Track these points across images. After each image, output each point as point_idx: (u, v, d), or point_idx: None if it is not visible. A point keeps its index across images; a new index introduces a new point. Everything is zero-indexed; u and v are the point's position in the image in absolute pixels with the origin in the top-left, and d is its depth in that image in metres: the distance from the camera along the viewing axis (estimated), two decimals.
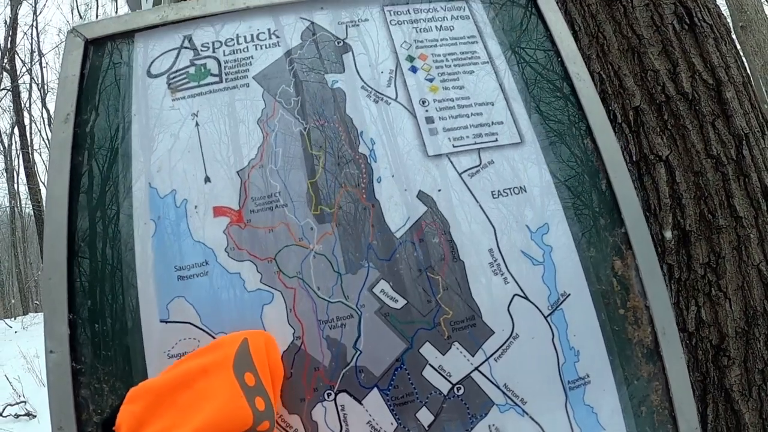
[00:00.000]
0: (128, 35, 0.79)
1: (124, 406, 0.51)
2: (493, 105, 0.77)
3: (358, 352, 0.66)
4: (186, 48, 0.78)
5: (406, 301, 0.67)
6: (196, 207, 0.70)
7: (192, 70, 0.77)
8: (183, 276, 0.68)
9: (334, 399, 0.65)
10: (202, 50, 0.78)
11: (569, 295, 0.71)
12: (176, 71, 0.77)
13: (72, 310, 0.68)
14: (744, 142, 1.10)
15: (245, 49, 0.78)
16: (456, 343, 0.67)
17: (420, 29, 0.81)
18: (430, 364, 0.66)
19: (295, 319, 0.66)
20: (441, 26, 0.81)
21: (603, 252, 0.73)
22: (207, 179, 0.71)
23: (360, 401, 0.65)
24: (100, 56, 0.79)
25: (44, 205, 0.73)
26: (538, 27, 0.84)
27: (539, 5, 0.84)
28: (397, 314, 0.67)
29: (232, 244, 0.68)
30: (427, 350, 0.66)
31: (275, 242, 0.69)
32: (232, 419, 0.51)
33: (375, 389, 0.65)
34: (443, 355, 0.67)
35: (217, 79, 0.76)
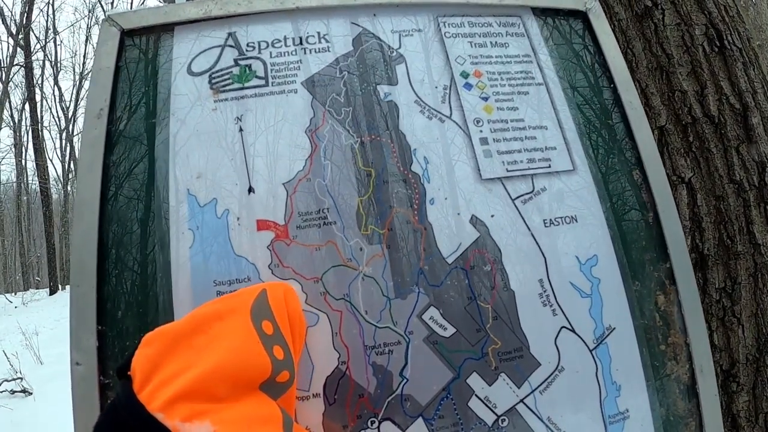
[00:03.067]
0: (167, 28, 0.74)
1: (138, 350, 0.48)
2: (546, 129, 0.75)
3: (405, 380, 0.64)
4: (230, 46, 0.74)
5: (455, 330, 0.65)
6: (238, 219, 0.67)
7: (236, 70, 0.73)
8: (223, 292, 0.64)
9: (378, 427, 0.63)
10: (247, 50, 0.74)
11: (614, 329, 0.70)
12: (219, 71, 0.72)
13: (101, 322, 0.64)
14: (767, 169, 1.10)
15: (293, 53, 0.74)
16: (503, 374, 0.66)
17: (475, 44, 0.78)
18: (476, 395, 0.65)
19: (340, 344, 0.64)
20: (496, 42, 0.79)
21: (647, 286, 0.73)
22: (251, 189, 0.68)
23: (404, 431, 0.63)
24: (137, 49, 0.74)
25: (73, 206, 0.68)
26: (591, 50, 0.82)
27: (593, 27, 0.82)
28: (445, 342, 0.65)
29: (277, 260, 0.65)
30: (474, 380, 0.65)
31: (322, 261, 0.66)
32: (248, 364, 0.48)
33: (420, 419, 0.63)
34: (490, 386, 0.65)
35: (262, 82, 0.72)
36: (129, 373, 0.47)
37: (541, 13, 0.82)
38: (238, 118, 0.70)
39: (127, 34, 0.74)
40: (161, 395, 0.44)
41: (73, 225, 0.68)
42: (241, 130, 0.70)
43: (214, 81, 0.72)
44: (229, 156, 0.69)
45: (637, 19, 1.20)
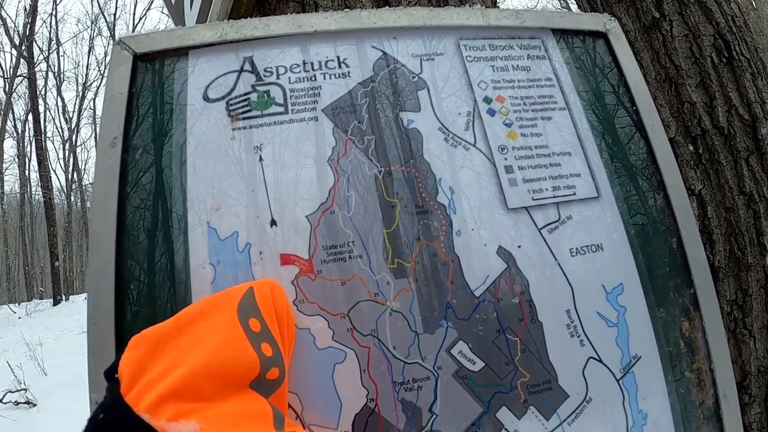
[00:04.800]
0: (181, 52, 0.72)
1: (125, 353, 0.48)
2: (570, 155, 0.74)
3: (434, 416, 0.63)
4: (247, 71, 0.71)
5: (484, 364, 0.65)
6: (261, 253, 0.65)
7: (254, 96, 0.70)
8: None
9: None
10: (264, 75, 0.71)
11: (640, 357, 0.69)
12: (236, 97, 0.70)
13: None
14: None
15: (312, 78, 0.72)
16: (532, 407, 0.65)
17: (497, 68, 0.76)
18: (505, 429, 0.64)
19: (369, 380, 0.63)
20: (518, 66, 0.77)
21: (672, 313, 0.72)
22: (273, 222, 0.66)
23: None
24: (151, 73, 0.71)
25: (89, 242, 0.66)
26: (612, 72, 0.81)
27: (614, 49, 0.81)
28: (475, 377, 0.64)
29: (302, 296, 0.64)
30: (504, 414, 0.64)
31: (348, 296, 0.64)
32: (235, 362, 0.48)
33: None
34: (519, 419, 0.64)
35: (282, 109, 0.70)
36: (116, 376, 0.47)
37: (561, 34, 0.81)
38: (257, 147, 0.68)
39: (139, 58, 0.71)
40: (147, 396, 0.44)
41: (88, 260, 0.66)
42: (261, 159, 0.68)
43: (231, 108, 0.70)
44: (249, 187, 0.67)
45: (645, 30, 1.19)
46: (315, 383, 0.62)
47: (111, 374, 0.47)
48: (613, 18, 0.82)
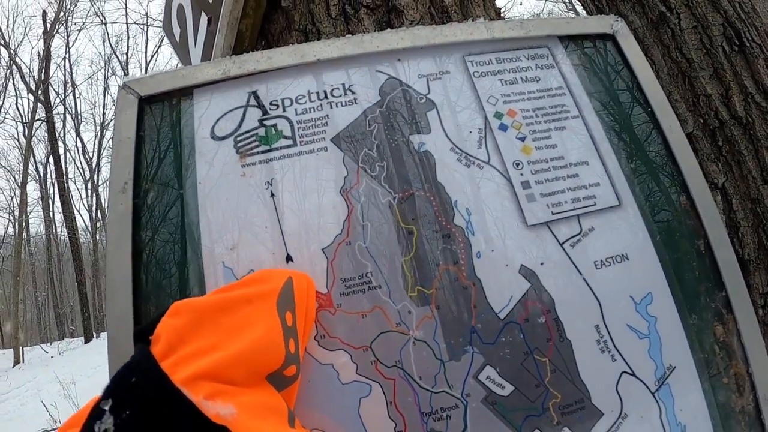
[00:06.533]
0: (186, 92, 0.71)
1: (165, 318, 0.47)
2: (588, 164, 0.72)
3: None
4: (252, 106, 0.71)
5: (513, 387, 0.63)
6: None
7: (262, 131, 0.70)
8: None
9: None
10: (270, 109, 0.71)
11: (675, 367, 0.67)
12: (244, 133, 0.70)
13: None
14: None
15: (319, 107, 0.71)
16: (566, 429, 0.63)
17: (505, 81, 0.75)
18: None
19: (396, 413, 0.61)
20: (526, 77, 0.76)
21: (704, 318, 0.70)
22: (288, 258, 0.65)
23: None
24: (157, 115, 0.71)
25: (104, 289, 0.66)
26: (624, 74, 0.79)
27: (623, 50, 0.78)
28: (504, 401, 0.63)
29: (323, 331, 0.63)
30: None
31: (370, 328, 0.63)
32: (267, 354, 0.48)
33: None
34: None
35: (290, 142, 0.69)
36: (150, 338, 0.46)
37: (568, 40, 0.79)
38: (268, 182, 0.68)
39: (145, 101, 0.71)
40: (185, 369, 0.42)
41: (106, 307, 0.66)
42: (272, 195, 0.67)
43: (239, 144, 0.69)
44: (262, 224, 0.66)
45: (653, 26, 1.16)
46: (341, 419, 0.61)
47: (144, 336, 0.46)
48: (619, 18, 0.80)
